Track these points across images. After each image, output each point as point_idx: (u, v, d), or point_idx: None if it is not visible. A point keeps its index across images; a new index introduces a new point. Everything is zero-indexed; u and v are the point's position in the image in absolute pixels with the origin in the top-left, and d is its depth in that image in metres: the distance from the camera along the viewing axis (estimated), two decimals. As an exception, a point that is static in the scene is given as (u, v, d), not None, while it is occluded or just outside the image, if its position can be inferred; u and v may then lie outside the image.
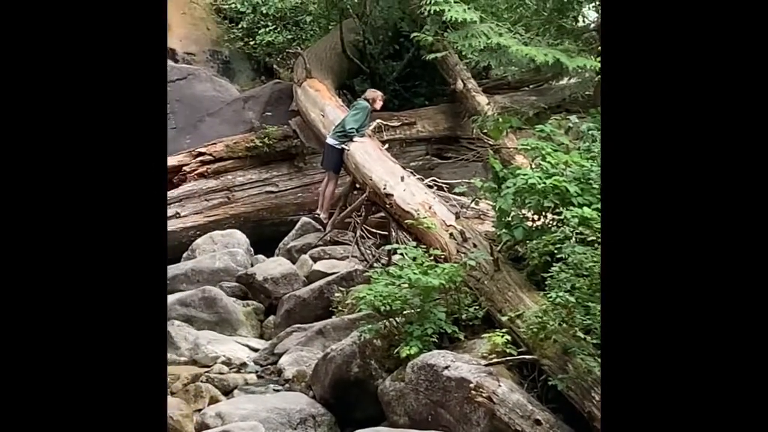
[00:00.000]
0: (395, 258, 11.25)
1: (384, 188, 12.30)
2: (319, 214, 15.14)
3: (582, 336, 7.26)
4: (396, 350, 8.66)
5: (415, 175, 13.09)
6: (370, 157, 13.67)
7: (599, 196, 8.52)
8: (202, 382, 9.69)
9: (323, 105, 16.19)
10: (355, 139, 14.32)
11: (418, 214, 10.72)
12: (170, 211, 15.87)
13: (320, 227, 14.94)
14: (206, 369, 10.36)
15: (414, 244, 10.10)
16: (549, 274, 8.02)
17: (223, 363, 10.58)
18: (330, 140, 14.76)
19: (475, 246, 9.59)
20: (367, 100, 15.19)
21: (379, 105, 15.39)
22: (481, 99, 16.26)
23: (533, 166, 9.52)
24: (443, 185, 13.56)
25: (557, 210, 8.68)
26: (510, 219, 9.09)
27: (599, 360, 7.09)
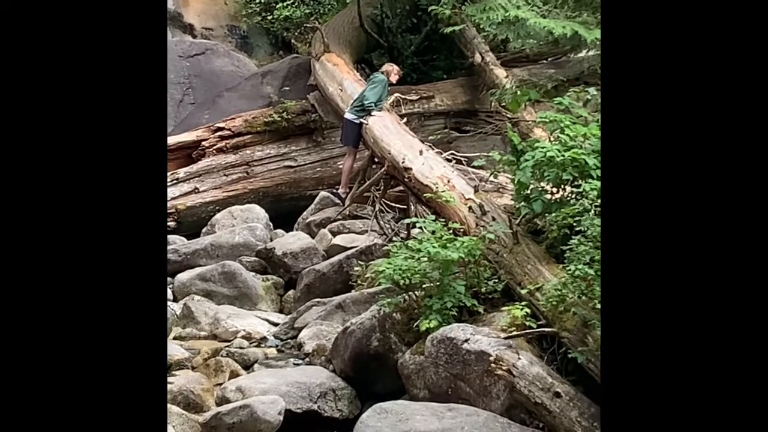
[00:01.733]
0: (414, 232, 11.26)
1: (402, 162, 12.28)
2: (337, 189, 15.16)
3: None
4: (415, 324, 8.68)
5: (433, 149, 13.06)
6: (389, 131, 13.65)
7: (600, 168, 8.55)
8: (222, 356, 9.72)
9: (341, 79, 16.19)
10: (374, 113, 14.30)
11: (437, 187, 10.71)
12: (189, 186, 15.96)
13: (339, 202, 14.95)
14: (226, 343, 10.40)
15: (433, 217, 10.08)
16: (568, 247, 8.00)
17: (243, 337, 10.62)
18: (348, 115, 14.76)
19: (494, 219, 9.58)
20: (384, 74, 15.16)
21: (395, 78, 15.36)
22: (500, 72, 16.23)
23: (552, 138, 9.48)
24: (462, 159, 13.53)
25: (576, 183, 8.65)
26: (529, 192, 9.06)
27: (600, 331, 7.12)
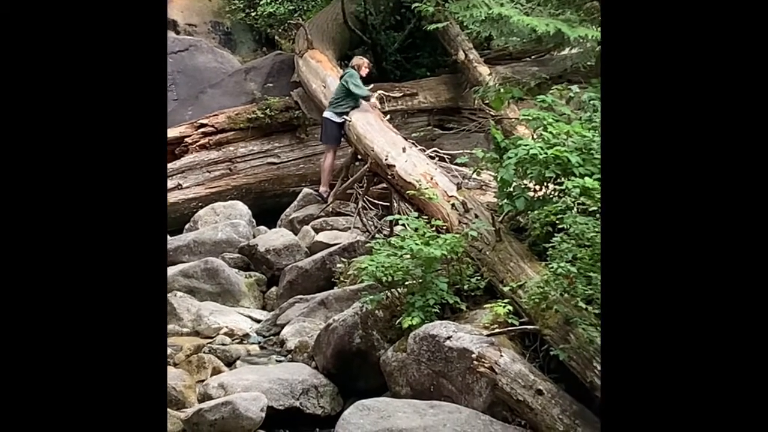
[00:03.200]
0: (397, 229, 11.27)
1: (386, 159, 12.30)
2: (317, 190, 15.15)
3: (584, 306, 7.25)
4: (398, 321, 8.69)
5: (416, 146, 13.10)
6: (372, 128, 13.67)
7: (600, 166, 8.55)
8: (204, 353, 9.71)
9: (325, 76, 16.20)
10: (370, 100, 14.42)
11: (420, 184, 10.72)
12: (172, 183, 15.93)
13: (320, 200, 14.94)
14: (209, 340, 10.40)
15: (416, 214, 10.11)
16: (551, 245, 8.02)
17: (225, 334, 10.61)
18: (327, 114, 14.76)
19: (476, 216, 9.59)
20: (354, 68, 15.18)
21: (365, 72, 15.37)
22: (483, 69, 16.26)
23: (535, 136, 9.50)
24: (445, 156, 13.59)
25: (559, 180, 8.67)
26: (512, 189, 9.07)
27: (600, 330, 7.12)
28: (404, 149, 12.36)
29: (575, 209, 8.23)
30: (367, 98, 14.64)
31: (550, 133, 8.92)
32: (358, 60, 15.64)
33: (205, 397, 8.44)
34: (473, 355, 7.59)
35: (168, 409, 8.04)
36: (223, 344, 10.21)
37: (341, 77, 15.20)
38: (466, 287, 8.89)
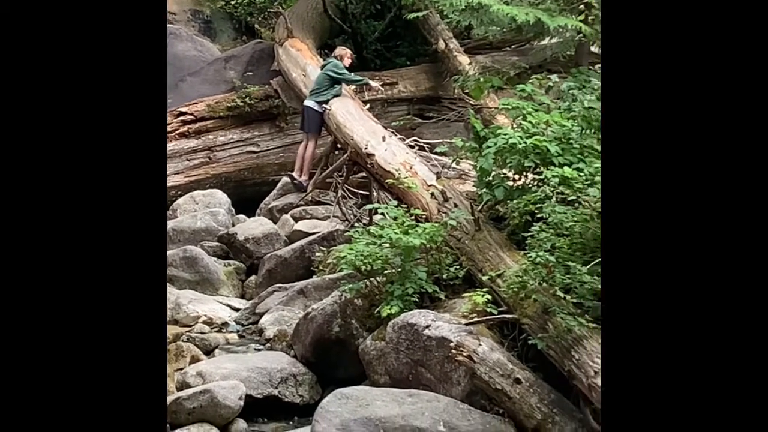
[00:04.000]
0: (376, 218, 11.27)
1: (365, 148, 12.27)
2: (291, 174, 15.10)
3: (562, 295, 7.26)
4: (377, 310, 8.69)
5: (396, 135, 13.07)
6: (352, 117, 13.64)
7: (580, 156, 8.55)
8: (183, 341, 9.69)
9: (305, 64, 16.16)
10: (371, 84, 14.49)
11: (399, 173, 10.71)
12: (151, 171, 15.83)
13: (299, 189, 14.91)
14: (187, 328, 10.38)
15: (395, 203, 10.11)
16: (529, 234, 8.03)
17: (204, 322, 10.60)
18: (308, 102, 14.73)
19: (455, 206, 9.59)
20: (337, 58, 15.15)
21: (347, 62, 15.32)
22: (463, 59, 16.27)
23: (514, 125, 9.50)
24: (424, 145, 13.57)
25: (538, 170, 8.68)
26: (491, 179, 9.08)
27: (579, 319, 7.13)
28: (384, 138, 12.34)
29: (554, 199, 8.24)
30: (365, 84, 14.68)
31: (530, 122, 8.93)
32: (340, 50, 15.60)
33: (183, 385, 8.43)
34: (452, 344, 7.60)
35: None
36: (202, 333, 10.20)
37: (323, 66, 15.15)
38: (445, 276, 8.89)
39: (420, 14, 15.30)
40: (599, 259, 7.52)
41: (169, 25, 20.21)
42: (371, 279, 9.12)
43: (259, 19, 21.35)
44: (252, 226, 13.48)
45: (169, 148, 16.41)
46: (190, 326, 10.48)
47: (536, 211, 8.24)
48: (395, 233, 8.77)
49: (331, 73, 14.65)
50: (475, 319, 7.95)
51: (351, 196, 14.02)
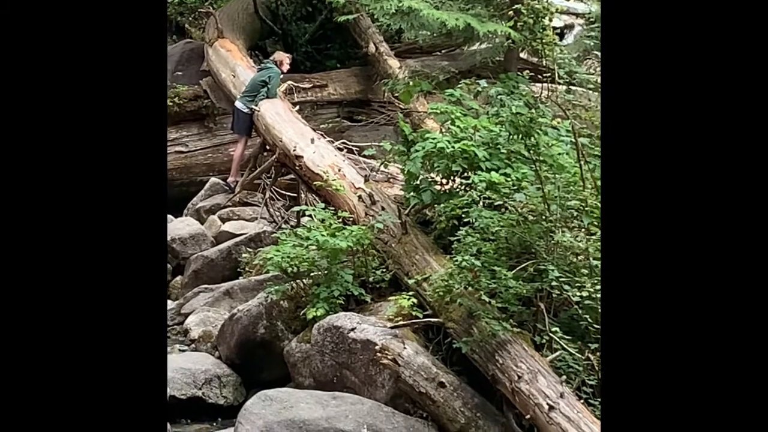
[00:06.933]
0: (304, 220, 11.25)
1: (294, 150, 12.25)
2: (227, 178, 15.03)
3: (487, 299, 7.30)
4: (302, 312, 8.70)
5: (325, 138, 13.05)
6: (281, 119, 13.59)
7: (507, 161, 8.60)
8: (106, 341, 9.60)
9: (234, 65, 16.07)
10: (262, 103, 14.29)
11: (328, 176, 10.71)
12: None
13: (228, 190, 14.84)
14: (111, 328, 10.27)
15: (323, 206, 10.09)
16: (456, 238, 8.06)
17: (129, 323, 10.50)
18: (238, 104, 14.66)
19: (383, 209, 9.62)
20: (276, 63, 15.08)
21: (286, 68, 15.27)
22: (393, 62, 16.28)
23: (443, 130, 9.55)
24: (353, 148, 13.56)
25: (465, 174, 8.72)
26: (418, 182, 9.12)
27: (503, 324, 7.17)
28: (312, 140, 12.33)
29: (481, 203, 8.29)
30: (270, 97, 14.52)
31: (458, 127, 8.97)
32: (279, 56, 15.48)
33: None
34: (377, 347, 7.61)
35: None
36: (126, 333, 10.11)
37: (259, 69, 15.07)
38: (371, 279, 8.92)
39: (351, 17, 15.29)
40: (524, 264, 7.59)
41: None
42: (297, 281, 9.12)
43: (190, 18, 21.20)
44: (179, 227, 13.37)
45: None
46: (115, 326, 10.37)
47: (463, 216, 8.27)
48: (322, 235, 8.78)
49: (266, 79, 14.55)
50: (401, 323, 7.97)
51: (279, 197, 13.97)
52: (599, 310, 7.07)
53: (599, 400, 6.87)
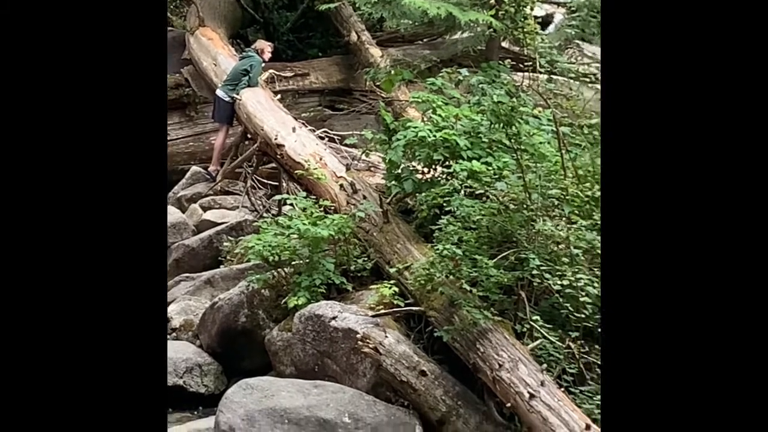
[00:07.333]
0: (285, 209, 11.23)
1: (275, 139, 12.23)
2: (207, 167, 14.98)
3: (468, 288, 7.31)
4: (284, 300, 8.69)
5: (306, 127, 13.03)
6: (262, 108, 13.56)
7: (488, 150, 8.60)
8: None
9: (216, 54, 16.02)
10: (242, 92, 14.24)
11: (309, 165, 10.69)
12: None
13: (209, 178, 14.79)
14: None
15: (304, 195, 10.08)
16: (437, 227, 8.07)
17: (109, 312, 10.47)
18: (219, 92, 14.60)
19: (365, 198, 9.61)
20: (258, 51, 15.03)
21: (268, 56, 15.22)
22: (375, 51, 16.26)
23: (424, 119, 9.55)
24: (335, 137, 13.55)
25: (447, 163, 8.72)
26: (400, 171, 9.12)
27: (485, 312, 7.18)
28: (294, 129, 12.31)
29: (462, 192, 8.30)
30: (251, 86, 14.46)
31: (439, 116, 8.97)
32: (261, 44, 15.43)
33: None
34: (358, 336, 7.61)
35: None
36: (107, 322, 10.09)
37: (241, 57, 15.02)
38: (352, 268, 8.92)
39: (332, 5, 15.26)
40: (505, 253, 7.60)
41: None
42: (279, 270, 9.11)
43: (171, 7, 21.10)
44: (160, 216, 13.32)
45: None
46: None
47: (444, 204, 8.28)
48: (304, 224, 8.76)
49: (247, 68, 14.50)
50: (382, 311, 7.98)
51: (260, 186, 13.92)
52: (579, 299, 7.13)
53: (580, 388, 6.91)
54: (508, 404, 6.76)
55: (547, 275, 7.34)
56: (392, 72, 12.67)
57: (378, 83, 14.04)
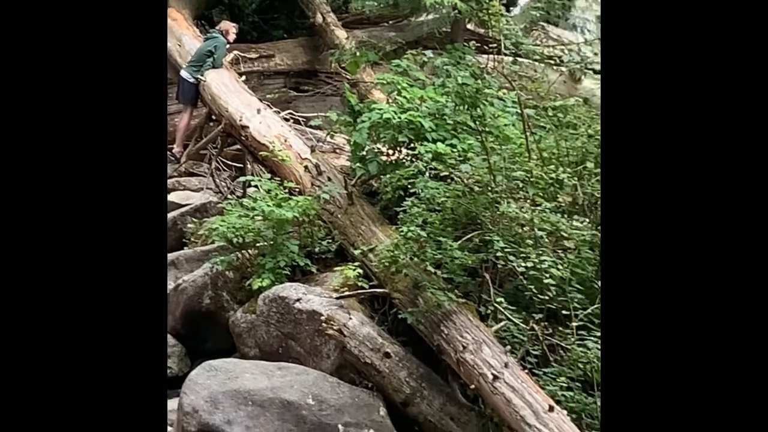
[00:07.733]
0: (250, 190, 11.19)
1: (240, 120, 12.18)
2: (172, 148, 14.89)
3: (432, 270, 7.33)
4: (248, 282, 8.68)
5: (271, 108, 12.99)
6: (227, 89, 13.50)
7: (453, 132, 8.60)
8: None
9: (180, 35, 15.91)
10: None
11: (274, 146, 10.65)
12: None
13: (173, 160, 14.71)
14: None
15: (269, 176, 10.05)
16: (402, 209, 8.07)
17: (72, 294, 10.43)
18: (183, 73, 14.52)
19: (329, 179, 9.59)
20: (222, 33, 14.96)
21: (232, 37, 15.13)
22: (340, 33, 16.22)
23: (389, 100, 9.53)
24: (300, 118, 13.54)
25: (411, 145, 8.72)
26: (365, 153, 9.10)
27: (449, 294, 7.19)
28: (259, 111, 12.26)
29: (427, 174, 8.29)
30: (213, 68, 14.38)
31: (404, 97, 8.96)
32: (225, 25, 15.34)
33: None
34: (322, 318, 7.61)
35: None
36: (70, 304, 10.04)
37: (206, 39, 14.95)
38: (317, 250, 8.91)
39: (297, -13, 15.24)
40: (470, 235, 7.62)
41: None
42: (243, 251, 9.10)
43: (135, -13, 21.03)
44: (123, 197, 13.26)
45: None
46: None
47: (409, 186, 8.29)
48: (268, 206, 8.74)
49: (211, 49, 14.43)
50: (346, 293, 7.99)
51: (225, 168, 13.90)
52: (543, 281, 7.14)
53: (543, 370, 6.94)
54: (472, 386, 6.78)
55: (512, 257, 7.35)
56: (357, 54, 12.66)
57: (343, 65, 14.00)
